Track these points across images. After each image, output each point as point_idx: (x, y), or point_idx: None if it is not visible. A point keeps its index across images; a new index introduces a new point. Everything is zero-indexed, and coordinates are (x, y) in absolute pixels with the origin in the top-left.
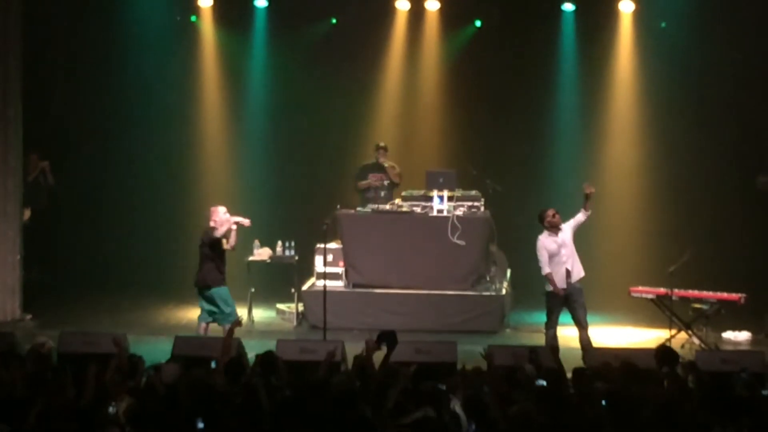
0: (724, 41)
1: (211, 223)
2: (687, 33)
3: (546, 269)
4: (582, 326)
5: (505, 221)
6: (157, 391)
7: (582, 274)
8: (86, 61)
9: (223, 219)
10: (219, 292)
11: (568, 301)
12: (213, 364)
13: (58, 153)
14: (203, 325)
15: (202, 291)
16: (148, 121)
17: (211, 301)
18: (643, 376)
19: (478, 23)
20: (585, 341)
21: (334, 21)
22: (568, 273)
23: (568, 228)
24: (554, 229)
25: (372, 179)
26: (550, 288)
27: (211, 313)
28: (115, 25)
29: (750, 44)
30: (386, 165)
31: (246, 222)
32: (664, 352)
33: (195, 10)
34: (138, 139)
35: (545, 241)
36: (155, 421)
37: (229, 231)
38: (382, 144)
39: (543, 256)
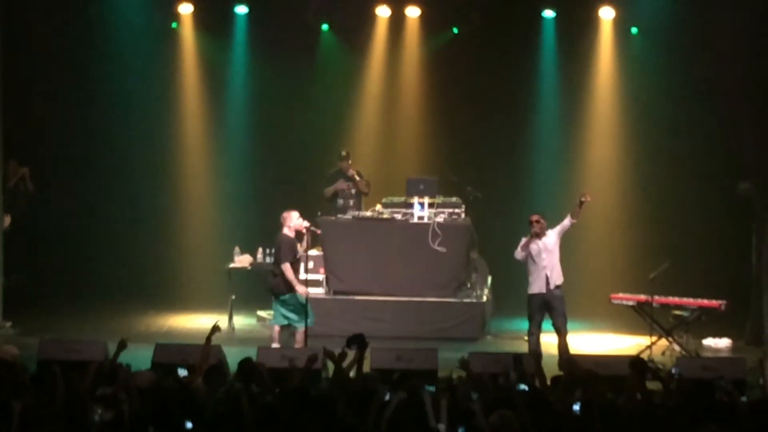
0: (704, 48)
1: (285, 230)
2: (667, 39)
3: (516, 256)
4: (560, 333)
5: (485, 228)
6: (133, 399)
7: (560, 281)
8: (66, 66)
9: (297, 224)
10: (290, 298)
11: (548, 308)
12: (183, 372)
13: (38, 159)
14: (276, 328)
15: (277, 297)
16: (128, 128)
17: (285, 306)
18: (609, 384)
19: (455, 30)
20: (562, 348)
21: (325, 27)
22: (548, 279)
23: (553, 234)
24: (538, 235)
25: (340, 185)
26: (530, 292)
27: (285, 318)
28: (96, 32)
29: (729, 52)
30: (352, 174)
31: (318, 231)
32: (634, 364)
33: (176, 16)
34: (118, 145)
35: (528, 241)
36: (136, 428)
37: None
38: (343, 153)
39: (520, 245)
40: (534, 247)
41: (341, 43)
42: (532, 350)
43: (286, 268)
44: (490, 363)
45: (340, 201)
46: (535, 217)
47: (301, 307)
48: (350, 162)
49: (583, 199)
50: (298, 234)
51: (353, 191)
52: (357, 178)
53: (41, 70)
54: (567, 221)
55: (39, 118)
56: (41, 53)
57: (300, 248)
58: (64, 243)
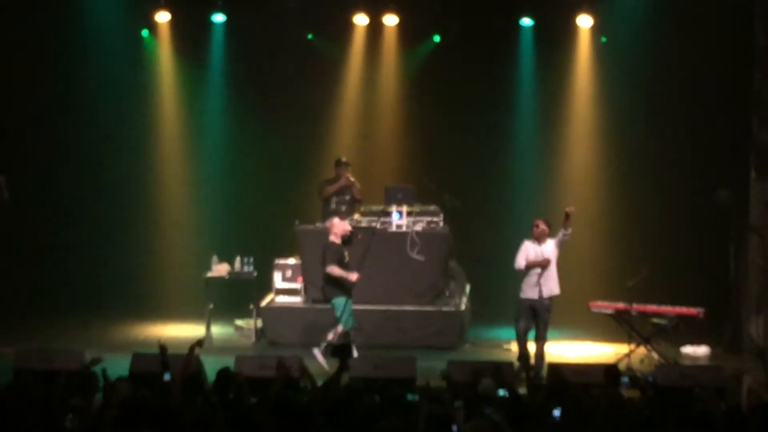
0: (680, 55)
1: (332, 237)
2: (644, 47)
3: (519, 263)
4: (539, 342)
5: (464, 236)
6: (110, 409)
7: (555, 292)
8: (41, 74)
9: (340, 227)
10: (334, 302)
11: (535, 314)
12: (167, 376)
13: (13, 167)
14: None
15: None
16: (105, 136)
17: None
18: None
19: (436, 38)
20: (537, 356)
21: (310, 36)
22: (540, 287)
23: (551, 243)
24: (537, 239)
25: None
26: (521, 296)
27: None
28: (72, 40)
29: (706, 59)
30: (352, 180)
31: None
32: (608, 371)
33: (152, 24)
34: (95, 154)
35: (527, 245)
36: None
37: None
38: (344, 159)
39: (519, 255)
40: (531, 251)
41: (319, 50)
42: (521, 353)
43: (333, 269)
44: (469, 371)
45: (333, 206)
46: (537, 222)
47: (337, 311)
48: (349, 169)
49: (567, 210)
50: (345, 237)
51: (347, 197)
52: (352, 180)
53: (13, 77)
54: (560, 234)
55: (12, 126)
56: (13, 62)
57: (347, 254)
58: (40, 252)
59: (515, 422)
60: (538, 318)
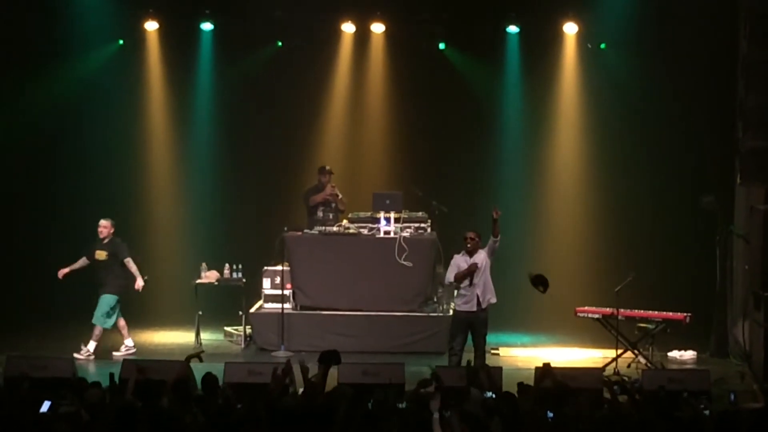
0: (665, 62)
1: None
2: (630, 54)
3: (449, 278)
4: (477, 355)
5: (451, 243)
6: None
7: (493, 300)
8: (28, 81)
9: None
10: (104, 298)
11: (471, 328)
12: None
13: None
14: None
15: None
16: (91, 145)
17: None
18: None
19: (442, 46)
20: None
21: (279, 44)
22: (479, 299)
23: (482, 253)
24: (470, 253)
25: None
26: (458, 308)
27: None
28: (57, 47)
29: (691, 65)
30: (338, 194)
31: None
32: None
33: (141, 32)
34: (83, 161)
35: (457, 259)
36: None
37: None
38: (327, 167)
39: (449, 270)
40: (463, 264)
41: (306, 58)
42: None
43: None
44: (456, 377)
45: (320, 213)
46: (471, 234)
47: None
48: (332, 177)
49: (494, 215)
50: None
51: (333, 205)
52: (338, 195)
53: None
54: (491, 241)
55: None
56: None
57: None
58: (30, 259)
59: (508, 423)
60: (475, 332)
